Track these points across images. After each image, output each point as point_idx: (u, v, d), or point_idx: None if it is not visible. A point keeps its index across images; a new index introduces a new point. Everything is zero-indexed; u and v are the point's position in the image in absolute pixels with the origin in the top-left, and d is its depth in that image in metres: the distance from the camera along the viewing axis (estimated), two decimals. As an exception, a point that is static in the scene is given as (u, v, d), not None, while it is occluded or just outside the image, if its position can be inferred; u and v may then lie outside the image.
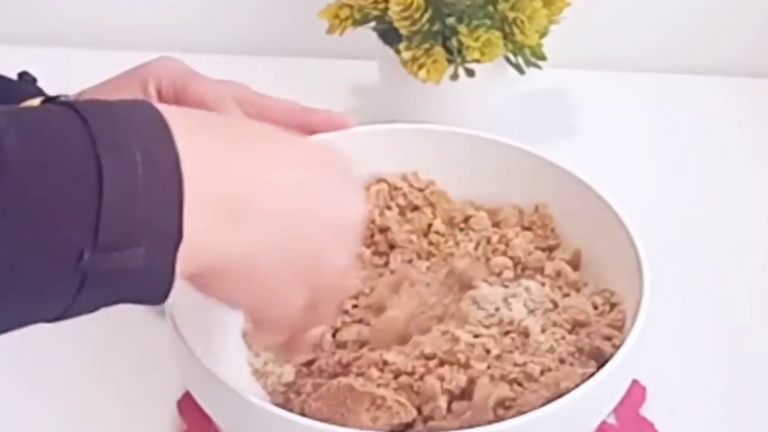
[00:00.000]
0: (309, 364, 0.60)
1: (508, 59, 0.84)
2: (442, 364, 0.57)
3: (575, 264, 0.65)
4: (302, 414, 0.54)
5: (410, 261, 0.66)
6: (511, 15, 0.81)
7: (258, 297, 0.47)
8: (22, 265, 0.38)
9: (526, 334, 0.59)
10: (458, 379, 0.56)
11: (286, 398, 0.59)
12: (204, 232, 0.42)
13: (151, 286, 0.42)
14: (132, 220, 0.39)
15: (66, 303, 0.40)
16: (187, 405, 0.64)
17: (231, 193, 0.43)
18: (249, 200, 0.44)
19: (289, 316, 0.49)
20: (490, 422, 0.50)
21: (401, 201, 0.69)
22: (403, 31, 0.82)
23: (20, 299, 0.39)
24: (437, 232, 0.68)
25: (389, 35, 0.84)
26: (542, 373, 0.56)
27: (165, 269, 0.41)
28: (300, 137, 0.52)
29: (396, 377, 0.57)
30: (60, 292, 0.39)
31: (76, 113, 0.40)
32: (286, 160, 0.47)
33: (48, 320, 0.41)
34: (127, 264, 0.40)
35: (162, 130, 0.41)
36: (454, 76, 0.83)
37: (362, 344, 0.61)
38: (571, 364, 0.58)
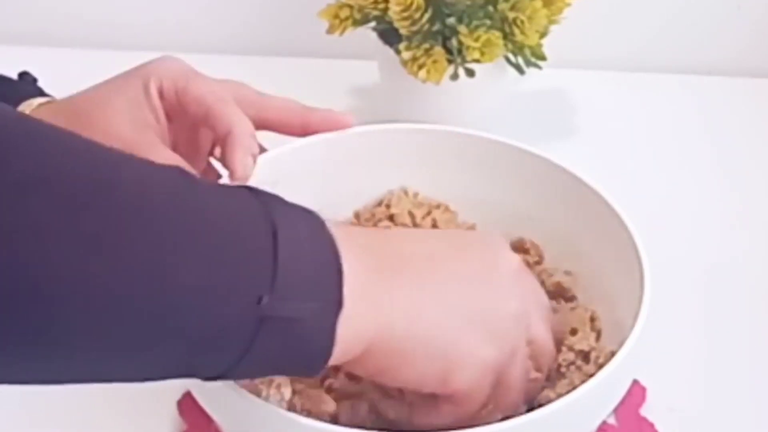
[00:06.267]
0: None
1: (508, 59, 0.84)
2: None
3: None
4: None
5: None
6: (511, 15, 0.81)
7: (439, 361, 0.49)
8: (210, 299, 0.41)
9: None
10: None
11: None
12: (361, 300, 0.45)
13: (313, 348, 0.45)
14: (301, 276, 0.43)
15: (242, 347, 0.42)
16: (187, 405, 0.64)
17: (384, 265, 0.48)
18: (403, 268, 0.49)
19: (480, 377, 0.50)
20: (489, 422, 0.50)
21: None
22: (403, 31, 0.82)
23: (203, 334, 0.41)
24: None
25: (389, 35, 0.84)
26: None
27: (327, 332, 0.44)
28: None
29: None
30: (239, 332, 0.42)
31: (246, 188, 0.45)
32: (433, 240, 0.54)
33: (221, 370, 0.44)
34: (298, 314, 0.43)
35: (314, 215, 0.46)
36: (454, 76, 0.83)
37: None
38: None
